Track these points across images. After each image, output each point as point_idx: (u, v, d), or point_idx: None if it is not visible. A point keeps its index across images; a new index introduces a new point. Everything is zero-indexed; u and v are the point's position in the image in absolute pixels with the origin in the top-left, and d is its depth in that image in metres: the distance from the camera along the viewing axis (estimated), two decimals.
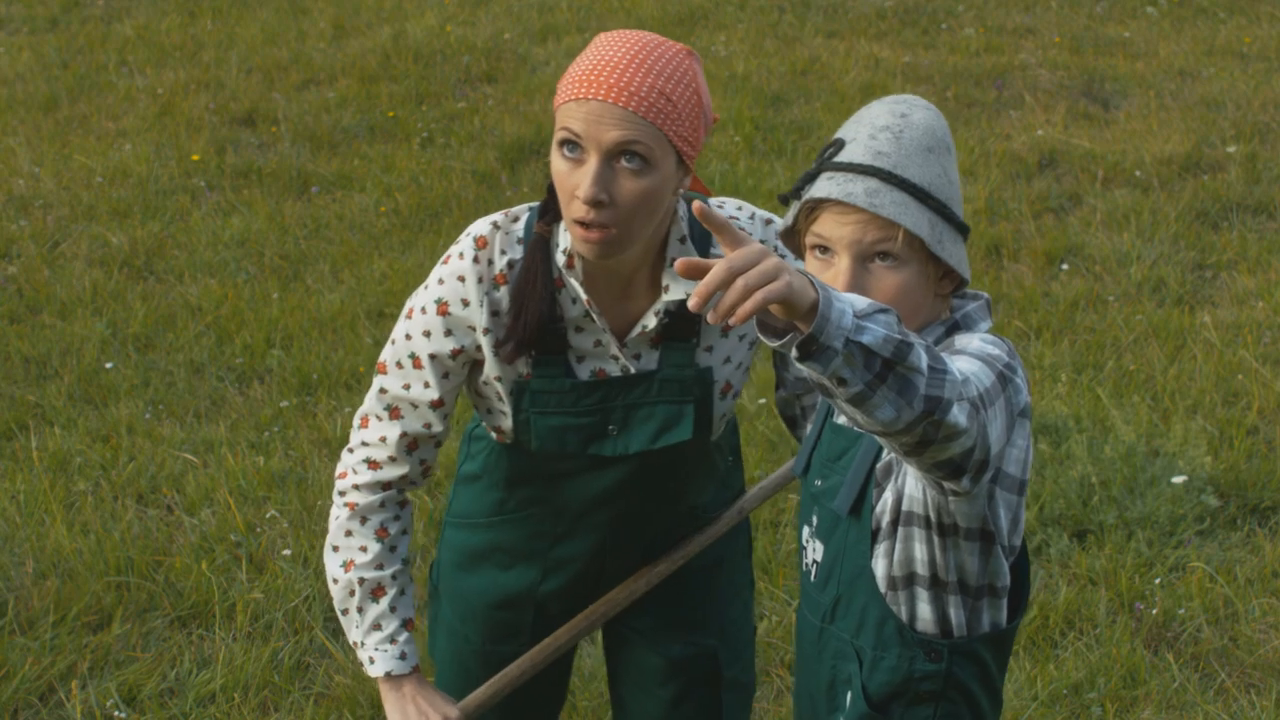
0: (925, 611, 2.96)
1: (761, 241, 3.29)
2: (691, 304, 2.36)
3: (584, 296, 3.21)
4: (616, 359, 3.29)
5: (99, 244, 8.51)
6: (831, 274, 2.86)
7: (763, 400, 6.62)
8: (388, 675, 3.45)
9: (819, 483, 3.06)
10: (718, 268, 2.38)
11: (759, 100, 10.77)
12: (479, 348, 3.27)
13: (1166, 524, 5.80)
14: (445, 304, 3.25)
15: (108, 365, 7.13)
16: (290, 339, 7.41)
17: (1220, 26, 12.69)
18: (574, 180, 3.05)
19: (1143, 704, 5.00)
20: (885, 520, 2.93)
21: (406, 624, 3.46)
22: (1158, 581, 5.52)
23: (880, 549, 2.94)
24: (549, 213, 3.23)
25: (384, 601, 3.43)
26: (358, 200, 9.17)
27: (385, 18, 13.08)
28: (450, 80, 11.40)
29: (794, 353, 2.44)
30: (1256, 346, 7.16)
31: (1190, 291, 7.83)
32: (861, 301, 2.49)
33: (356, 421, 3.40)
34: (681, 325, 3.30)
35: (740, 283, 2.36)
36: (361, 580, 3.41)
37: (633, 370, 3.30)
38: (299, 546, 5.74)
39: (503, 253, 3.25)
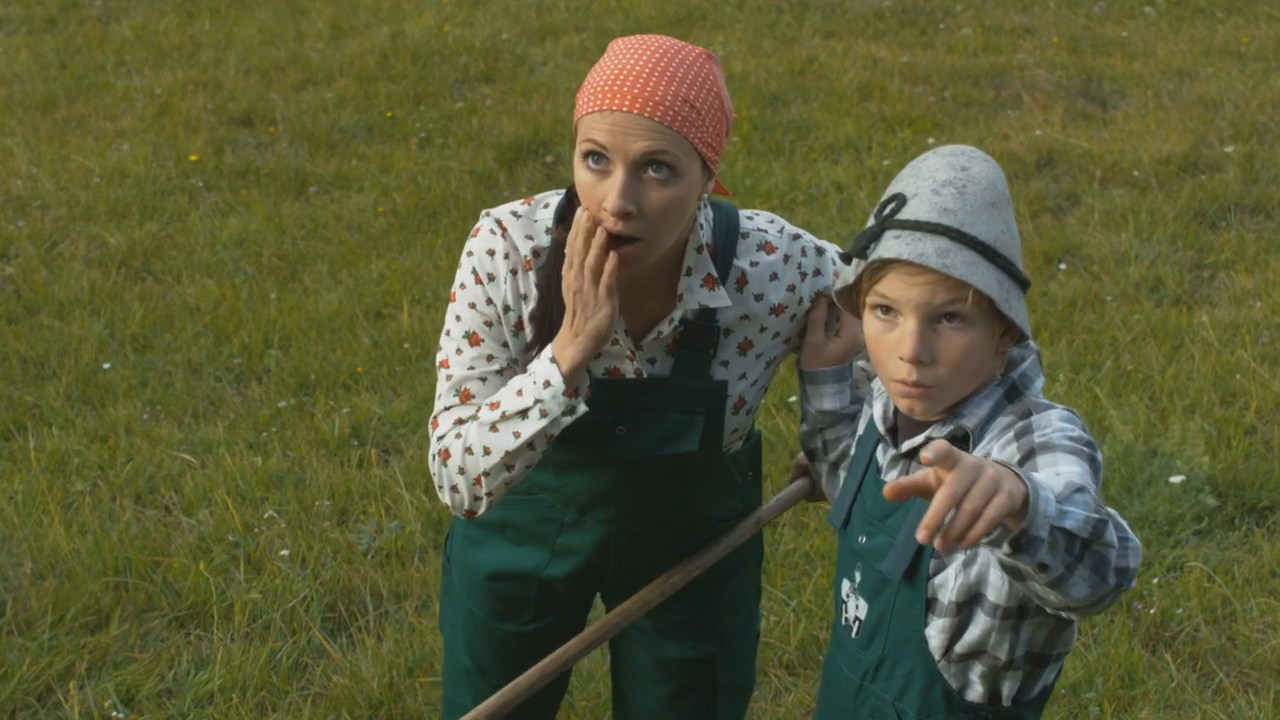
0: (977, 683, 2.92)
1: (786, 256, 3.29)
2: (920, 536, 2.27)
3: None
4: (631, 360, 3.27)
5: (97, 244, 8.51)
6: (896, 335, 2.79)
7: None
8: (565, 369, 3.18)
9: (863, 539, 3.00)
10: (940, 499, 2.27)
11: (757, 100, 10.77)
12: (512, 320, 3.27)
13: (1164, 523, 5.80)
14: (479, 275, 3.23)
15: (105, 366, 7.13)
16: (288, 339, 7.41)
17: (1218, 26, 12.69)
18: (600, 192, 3.02)
19: (1140, 704, 5.00)
20: (951, 598, 2.87)
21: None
22: (1155, 581, 5.53)
23: (940, 623, 2.89)
24: (568, 218, 3.22)
25: (503, 393, 3.22)
26: (356, 200, 9.16)
27: (383, 18, 13.07)
28: (448, 80, 11.39)
29: (1005, 548, 2.40)
30: (1254, 346, 7.16)
31: (1188, 291, 7.83)
32: (1058, 482, 2.45)
33: (429, 425, 3.32)
34: (699, 335, 3.28)
35: (967, 506, 2.27)
36: (483, 425, 3.20)
37: (646, 374, 3.29)
38: (297, 547, 5.74)
39: (528, 238, 3.23)
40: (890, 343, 2.80)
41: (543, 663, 3.55)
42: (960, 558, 2.85)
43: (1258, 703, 5.00)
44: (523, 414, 3.15)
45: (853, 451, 3.19)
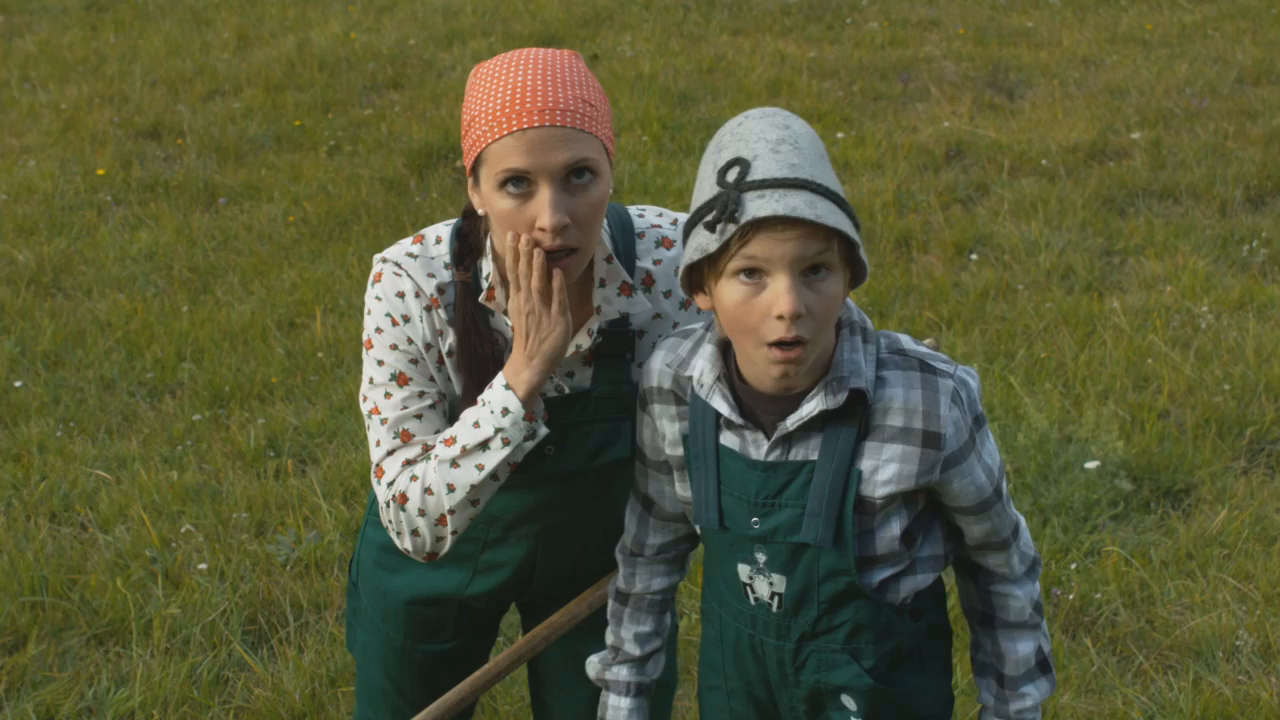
0: (912, 588, 3.05)
1: None
2: None
3: (511, 325, 3.15)
4: (550, 378, 3.26)
5: (5, 262, 8.43)
6: (769, 295, 2.76)
7: None
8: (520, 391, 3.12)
9: (756, 522, 2.99)
10: None
11: (666, 99, 10.77)
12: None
13: (1081, 509, 5.84)
14: (394, 318, 3.19)
15: (17, 384, 7.06)
16: (201, 352, 7.36)
17: (1122, 14, 12.79)
18: (529, 213, 2.98)
19: (1062, 689, 5.03)
20: (891, 547, 2.97)
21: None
22: (1074, 566, 5.56)
23: (884, 568, 2.99)
24: (464, 259, 3.19)
25: (456, 429, 3.17)
26: (266, 210, 9.12)
27: (289, 26, 13.01)
28: (356, 88, 11.35)
29: None
30: (1165, 331, 7.22)
31: (1099, 278, 7.89)
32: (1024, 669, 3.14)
33: (373, 475, 3.26)
34: (615, 342, 3.25)
35: None
36: (443, 462, 3.16)
37: (567, 390, 3.27)
38: (215, 560, 5.70)
39: (430, 276, 3.19)
40: (762, 305, 2.77)
41: (469, 679, 3.54)
42: (898, 522, 2.96)
43: (1177, 684, 5.04)
44: (483, 445, 3.11)
45: (677, 452, 3.11)
